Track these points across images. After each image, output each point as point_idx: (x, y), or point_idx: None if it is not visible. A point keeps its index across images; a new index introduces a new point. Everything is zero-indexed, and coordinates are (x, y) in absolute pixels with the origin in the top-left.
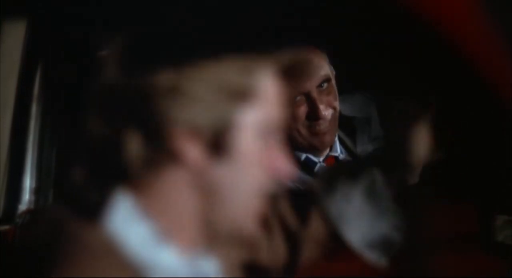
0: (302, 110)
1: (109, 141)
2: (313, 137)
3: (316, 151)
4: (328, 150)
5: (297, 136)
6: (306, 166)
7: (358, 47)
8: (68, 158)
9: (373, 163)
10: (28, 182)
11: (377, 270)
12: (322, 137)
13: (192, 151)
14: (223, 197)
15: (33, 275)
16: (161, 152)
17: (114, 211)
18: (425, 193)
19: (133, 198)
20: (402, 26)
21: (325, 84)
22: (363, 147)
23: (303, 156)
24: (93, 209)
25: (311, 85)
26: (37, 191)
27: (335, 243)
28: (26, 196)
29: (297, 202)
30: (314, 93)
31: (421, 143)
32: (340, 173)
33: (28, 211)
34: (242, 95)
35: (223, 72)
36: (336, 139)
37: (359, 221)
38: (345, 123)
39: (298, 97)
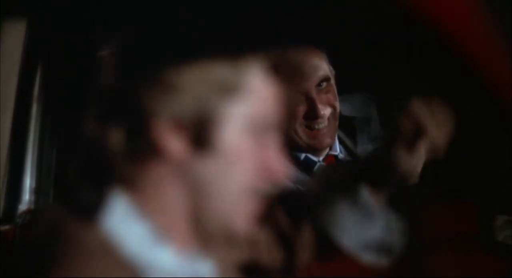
0: (301, 109)
1: (99, 139)
2: (312, 138)
3: (316, 151)
4: (327, 149)
5: (295, 137)
6: (306, 166)
7: (358, 47)
8: (68, 158)
9: (367, 164)
10: (28, 182)
11: (377, 270)
12: (321, 139)
13: (176, 143)
14: (211, 195)
15: (33, 275)
16: (144, 145)
17: (110, 211)
18: (425, 193)
19: (126, 197)
20: (402, 26)
21: (324, 84)
22: (363, 147)
23: (303, 156)
24: (89, 209)
25: (310, 84)
26: (37, 191)
27: (329, 247)
28: (26, 196)
29: (291, 205)
30: (313, 93)
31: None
32: (327, 181)
33: (28, 211)
34: (228, 88)
35: (210, 64)
36: (336, 137)
37: (349, 227)
38: (345, 123)
39: (297, 96)
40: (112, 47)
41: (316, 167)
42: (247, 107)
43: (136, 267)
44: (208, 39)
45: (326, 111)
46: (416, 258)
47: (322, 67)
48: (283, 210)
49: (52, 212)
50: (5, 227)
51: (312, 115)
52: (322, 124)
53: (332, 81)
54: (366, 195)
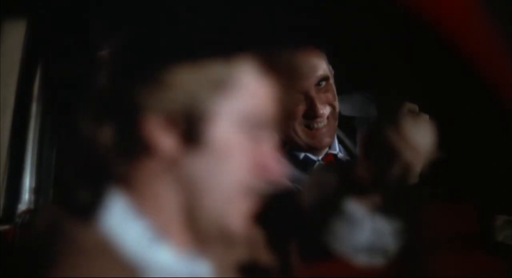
0: (300, 108)
1: (94, 138)
2: (311, 138)
3: (315, 150)
4: (327, 148)
5: (295, 136)
6: (305, 165)
7: (357, 47)
8: (67, 158)
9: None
10: (28, 182)
11: (377, 271)
12: (320, 138)
13: (167, 141)
14: (204, 192)
15: (33, 275)
16: (136, 143)
17: (107, 210)
18: (425, 193)
19: (122, 196)
20: (402, 26)
21: (323, 83)
22: None
23: (302, 155)
24: (87, 208)
25: (309, 83)
26: (37, 191)
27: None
28: (26, 196)
29: (288, 205)
30: (312, 92)
31: (422, 143)
32: (313, 195)
33: (28, 211)
34: (220, 85)
35: (202, 62)
36: (335, 136)
37: (338, 234)
38: (345, 123)
39: (296, 95)
40: (108, 46)
41: (316, 166)
42: (239, 104)
43: (134, 266)
44: (203, 38)
45: (325, 110)
46: (416, 258)
47: (322, 66)
48: (280, 209)
49: (51, 211)
50: (5, 227)
51: (311, 114)
52: (322, 123)
53: (331, 80)
54: (351, 206)
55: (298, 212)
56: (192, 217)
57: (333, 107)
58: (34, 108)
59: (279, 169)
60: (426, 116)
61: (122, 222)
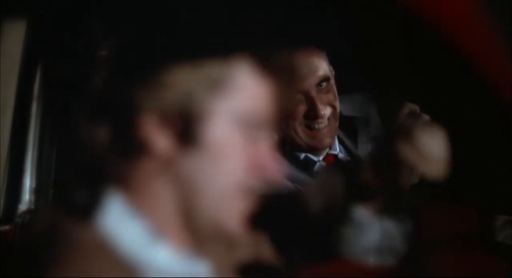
0: (301, 109)
1: (91, 138)
2: (312, 138)
3: (315, 150)
4: (327, 149)
5: (295, 136)
6: (306, 165)
7: (358, 47)
8: (66, 158)
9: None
10: (28, 182)
11: (377, 271)
12: (321, 139)
13: (162, 140)
14: (200, 192)
15: (33, 275)
16: (132, 143)
17: (105, 210)
18: (425, 193)
19: (120, 196)
20: (402, 26)
21: (324, 84)
22: (363, 147)
23: (302, 155)
24: (85, 208)
25: (310, 84)
26: (37, 191)
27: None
28: (26, 196)
29: (290, 205)
30: (313, 92)
31: (437, 155)
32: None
33: (28, 211)
34: (215, 84)
35: (199, 61)
36: (336, 137)
37: (346, 237)
38: (345, 123)
39: (297, 96)
40: (105, 46)
41: (316, 166)
42: (236, 104)
43: (133, 266)
44: (200, 38)
45: (326, 111)
46: (416, 258)
47: (322, 67)
48: (281, 209)
49: (51, 211)
50: (5, 227)
51: (312, 115)
52: (322, 124)
53: (332, 81)
54: (358, 210)
55: (301, 214)
56: (189, 217)
57: (333, 107)
58: (34, 108)
59: (276, 169)
60: (437, 126)
61: (120, 222)
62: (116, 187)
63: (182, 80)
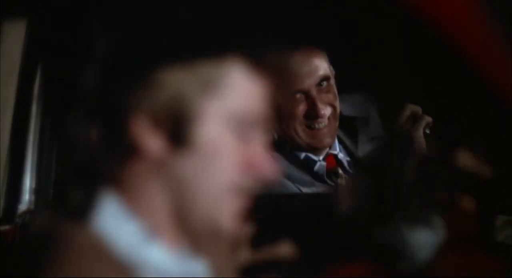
0: (301, 108)
1: (85, 138)
2: (312, 138)
3: (316, 150)
4: (327, 148)
5: (295, 136)
6: (306, 165)
7: (358, 47)
8: (64, 158)
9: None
10: (28, 182)
11: (377, 271)
12: (321, 138)
13: (154, 141)
14: (194, 192)
15: (33, 275)
16: (125, 144)
17: (101, 211)
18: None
19: (115, 197)
20: (402, 26)
21: (325, 83)
22: (363, 147)
23: (303, 155)
24: (81, 209)
25: (310, 83)
26: (37, 191)
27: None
28: (26, 196)
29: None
30: (313, 92)
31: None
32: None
33: (28, 211)
34: (208, 84)
35: (192, 61)
36: (336, 136)
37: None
38: (345, 123)
39: (298, 95)
40: (99, 46)
41: (316, 166)
42: (228, 104)
43: (128, 266)
44: (194, 38)
45: (326, 111)
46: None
47: (322, 66)
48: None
49: (50, 212)
50: (5, 227)
51: (312, 114)
52: (323, 123)
53: (332, 81)
54: (439, 220)
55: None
56: (183, 217)
57: (334, 107)
58: (34, 108)
59: (269, 168)
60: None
61: (115, 223)
62: (111, 187)
63: (175, 80)
